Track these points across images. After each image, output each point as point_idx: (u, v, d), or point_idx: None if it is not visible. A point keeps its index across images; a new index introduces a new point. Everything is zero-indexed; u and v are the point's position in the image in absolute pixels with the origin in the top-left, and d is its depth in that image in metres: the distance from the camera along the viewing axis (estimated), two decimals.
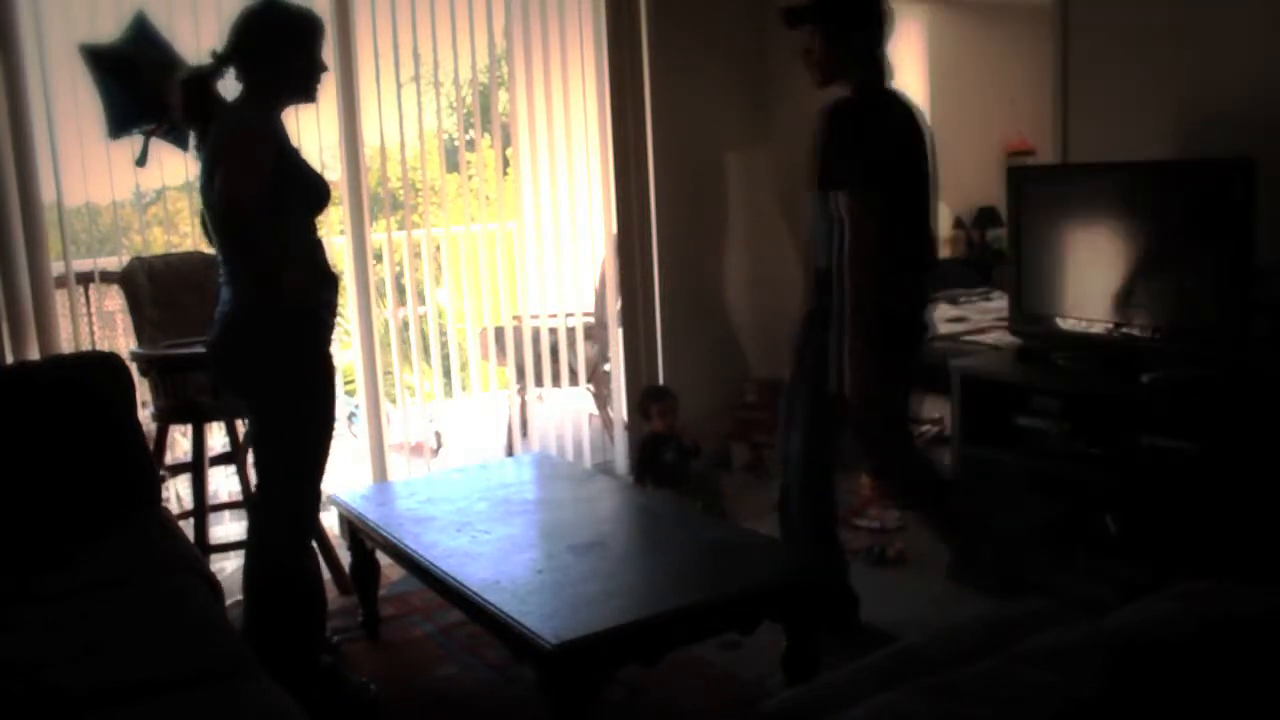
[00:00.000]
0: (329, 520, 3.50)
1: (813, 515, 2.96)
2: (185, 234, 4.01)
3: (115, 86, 3.46)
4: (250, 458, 3.14)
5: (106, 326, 4.19)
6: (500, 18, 4.47)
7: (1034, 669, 1.16)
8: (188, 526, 3.36)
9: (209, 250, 3.45)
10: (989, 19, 7.61)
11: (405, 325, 4.73)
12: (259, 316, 2.55)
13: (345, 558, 3.30)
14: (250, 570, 2.73)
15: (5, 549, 2.61)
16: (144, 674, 2.01)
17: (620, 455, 4.81)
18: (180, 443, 4.06)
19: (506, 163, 4.70)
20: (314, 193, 2.61)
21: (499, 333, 4.79)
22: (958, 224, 7.78)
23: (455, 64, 4.34)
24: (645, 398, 4.41)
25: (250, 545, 2.76)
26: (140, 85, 3.52)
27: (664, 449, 4.22)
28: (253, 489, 2.73)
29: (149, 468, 3.03)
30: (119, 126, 3.54)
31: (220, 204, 2.44)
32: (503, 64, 4.71)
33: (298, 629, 2.71)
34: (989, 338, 5.76)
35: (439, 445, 4.88)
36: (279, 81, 2.58)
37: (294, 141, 2.71)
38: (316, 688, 2.66)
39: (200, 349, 2.90)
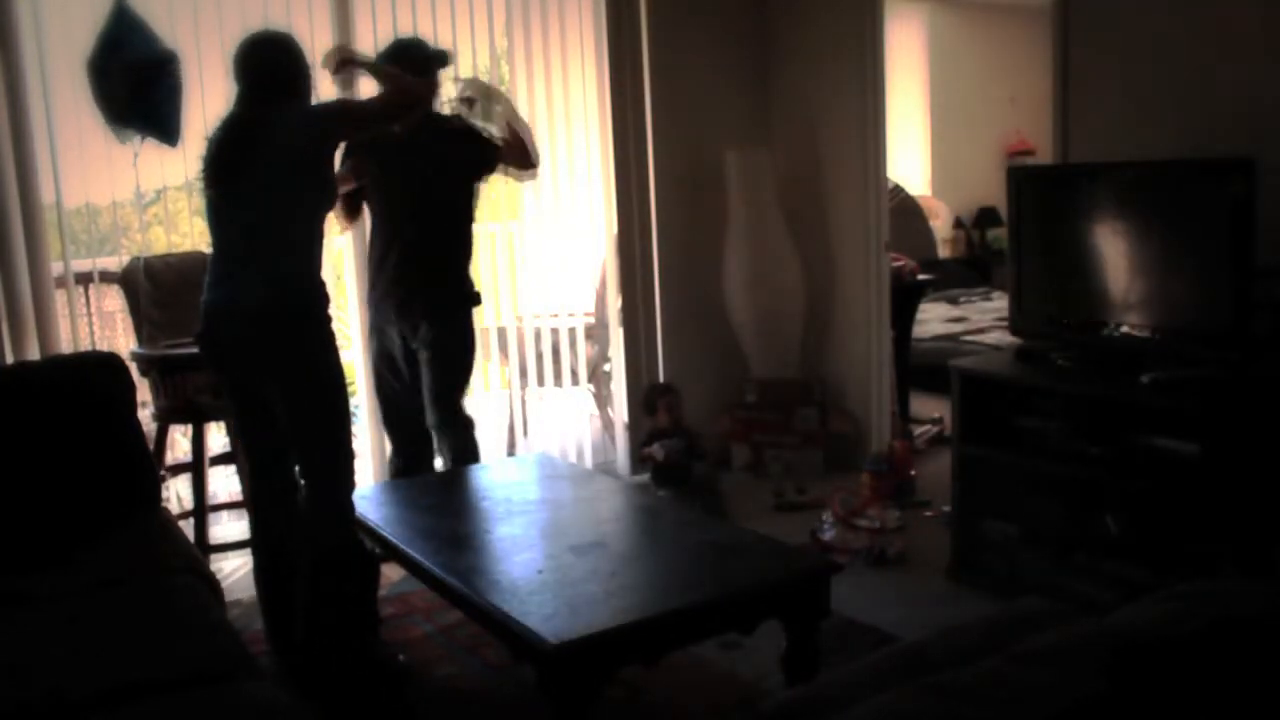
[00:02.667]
0: None
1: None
2: (185, 234, 4.01)
3: (169, 91, 3.55)
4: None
5: (106, 326, 4.20)
6: (500, 18, 4.47)
7: (1034, 669, 1.16)
8: (188, 526, 3.36)
9: (209, 250, 3.47)
10: (989, 19, 7.62)
11: None
12: (306, 301, 2.76)
13: None
14: (319, 547, 2.81)
15: (5, 549, 2.61)
16: (144, 674, 2.01)
17: (621, 455, 4.81)
18: (180, 443, 4.07)
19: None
20: (334, 193, 2.98)
21: (499, 333, 4.79)
22: (958, 224, 7.78)
23: (455, 64, 4.33)
24: (651, 393, 4.43)
25: (317, 520, 2.83)
26: (177, 82, 3.60)
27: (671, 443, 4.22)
28: (303, 470, 2.88)
29: (149, 468, 3.03)
30: (177, 131, 3.63)
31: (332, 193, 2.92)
32: (503, 64, 4.71)
33: (363, 597, 2.99)
34: (989, 338, 5.78)
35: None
36: (304, 96, 2.92)
37: None
38: (356, 664, 2.86)
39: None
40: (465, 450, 3.60)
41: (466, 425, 3.63)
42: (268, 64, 2.82)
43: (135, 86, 3.53)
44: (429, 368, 3.53)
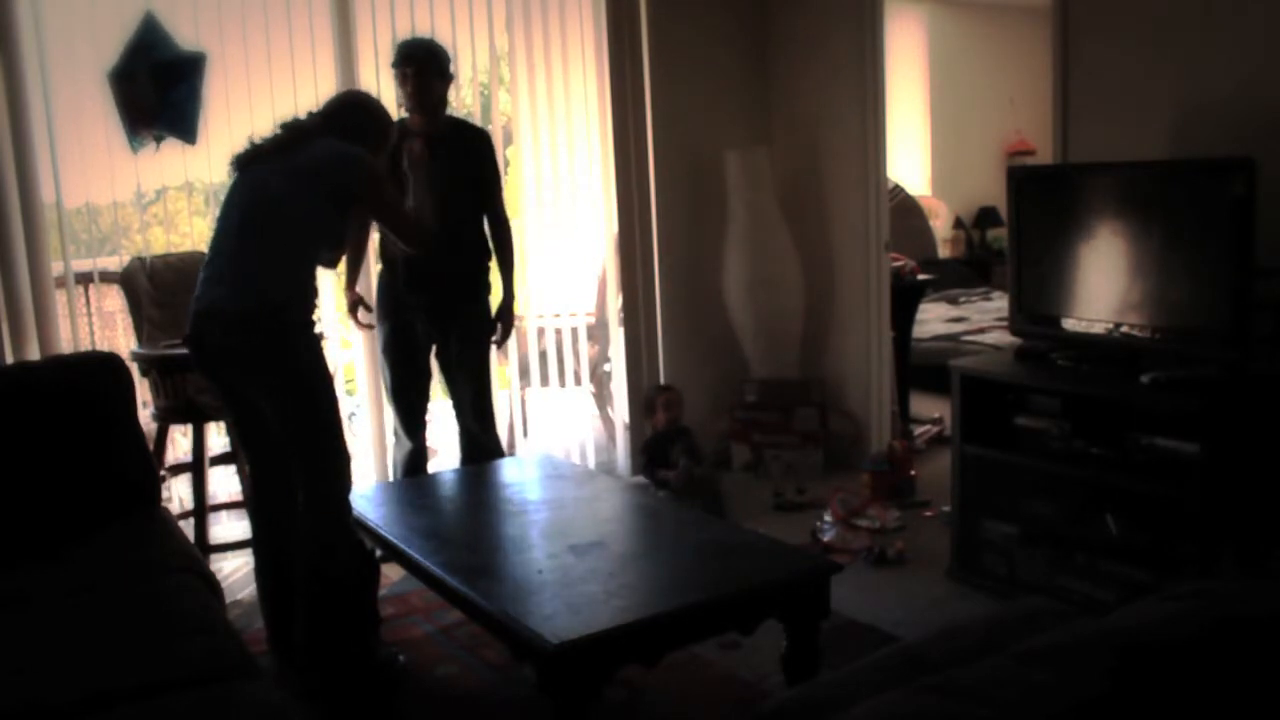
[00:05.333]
0: None
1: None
2: (185, 234, 4.01)
3: (191, 90, 3.59)
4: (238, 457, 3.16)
5: (106, 326, 4.19)
6: (500, 17, 4.47)
7: (1035, 669, 1.16)
8: (188, 526, 3.36)
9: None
10: (989, 19, 7.62)
11: None
12: (286, 306, 2.77)
13: None
14: (319, 548, 2.82)
15: (5, 549, 2.61)
16: (144, 674, 2.01)
17: (621, 455, 4.81)
18: (180, 443, 4.07)
19: (507, 162, 4.70)
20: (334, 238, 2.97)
21: None
22: (958, 224, 7.78)
23: (455, 64, 4.33)
24: (650, 392, 4.44)
25: (314, 521, 2.83)
26: (198, 81, 3.62)
27: (671, 447, 4.23)
28: (298, 472, 2.87)
29: (149, 468, 3.02)
30: (196, 129, 3.69)
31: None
32: (503, 64, 4.71)
33: (364, 600, 3.01)
34: (989, 338, 5.78)
35: (437, 446, 4.88)
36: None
37: None
38: (356, 664, 2.88)
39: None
40: (494, 446, 3.78)
41: (494, 424, 3.84)
42: (340, 109, 2.96)
43: (163, 86, 3.57)
44: (461, 367, 3.68)
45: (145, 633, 2.22)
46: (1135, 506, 2.96)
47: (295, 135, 2.86)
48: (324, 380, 2.83)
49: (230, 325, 2.74)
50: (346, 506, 2.88)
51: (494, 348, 3.79)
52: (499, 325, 3.72)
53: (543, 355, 4.78)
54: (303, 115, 2.95)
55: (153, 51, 3.61)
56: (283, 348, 2.76)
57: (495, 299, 3.76)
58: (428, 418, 3.86)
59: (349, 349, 4.39)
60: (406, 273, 3.59)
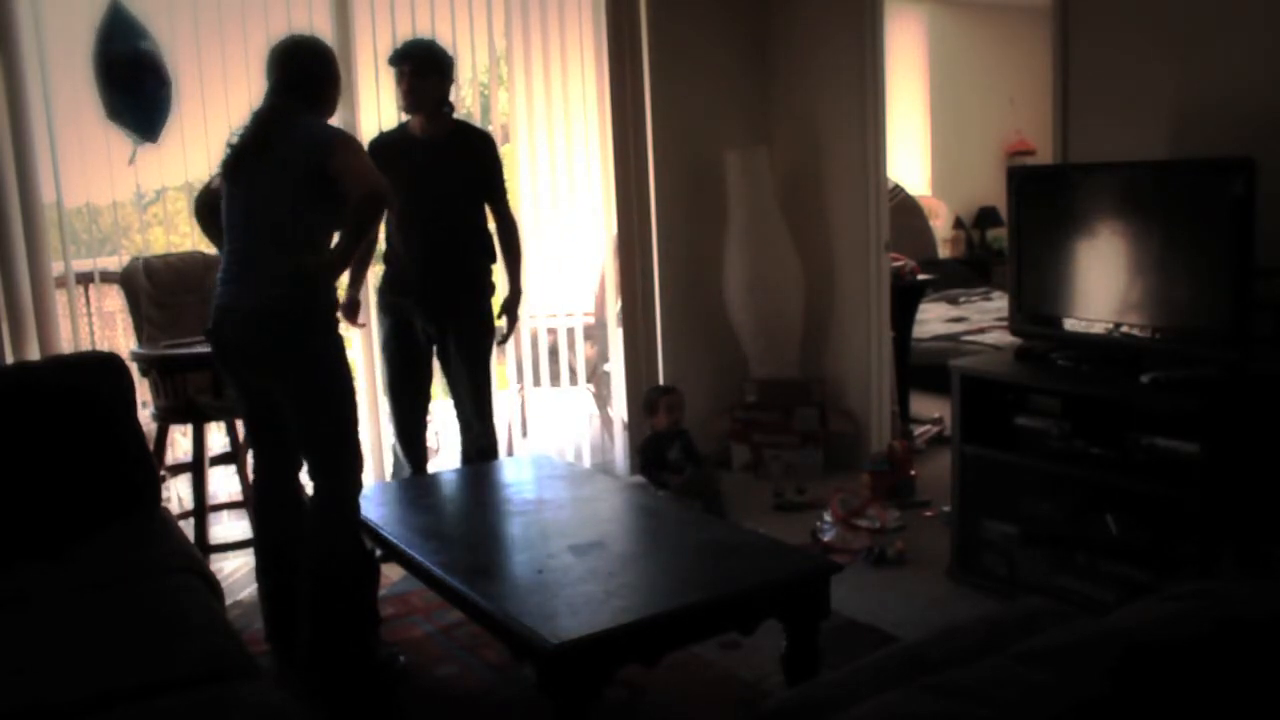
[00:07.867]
0: None
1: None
2: (185, 234, 4.01)
3: (148, 89, 3.56)
4: (250, 456, 3.16)
5: (106, 326, 4.19)
6: (500, 18, 4.47)
7: (1035, 669, 1.16)
8: (188, 526, 3.36)
9: (209, 250, 3.48)
10: (989, 19, 7.62)
11: None
12: (310, 302, 2.76)
13: None
14: (325, 546, 2.83)
15: (6, 549, 2.61)
16: (143, 674, 2.01)
17: (620, 455, 4.81)
18: (180, 443, 4.07)
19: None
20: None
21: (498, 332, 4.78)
22: (958, 224, 7.78)
23: (455, 64, 4.33)
24: (652, 393, 4.43)
25: (323, 520, 2.84)
26: (160, 80, 3.59)
27: (669, 447, 4.23)
28: (310, 471, 2.89)
29: (149, 468, 3.02)
30: (157, 127, 3.62)
31: (369, 193, 2.66)
32: (503, 64, 4.71)
33: (364, 600, 2.98)
34: (989, 338, 5.78)
35: (438, 445, 4.88)
36: (331, 104, 2.95)
37: None
38: (357, 664, 2.88)
39: (203, 346, 2.95)
40: (492, 445, 3.76)
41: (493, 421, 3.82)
42: (300, 70, 2.85)
43: (113, 82, 3.54)
44: (461, 363, 3.66)
45: (145, 633, 2.22)
46: (1135, 506, 2.96)
47: (269, 124, 2.79)
48: (341, 378, 2.83)
49: (243, 322, 2.76)
50: (355, 506, 2.88)
51: (495, 344, 3.78)
52: (505, 317, 3.71)
53: (539, 355, 4.78)
54: (262, 97, 2.86)
55: (109, 43, 3.56)
56: (298, 344, 2.76)
57: (497, 299, 3.74)
58: (429, 419, 3.85)
59: (349, 348, 4.39)
60: (408, 270, 3.59)
